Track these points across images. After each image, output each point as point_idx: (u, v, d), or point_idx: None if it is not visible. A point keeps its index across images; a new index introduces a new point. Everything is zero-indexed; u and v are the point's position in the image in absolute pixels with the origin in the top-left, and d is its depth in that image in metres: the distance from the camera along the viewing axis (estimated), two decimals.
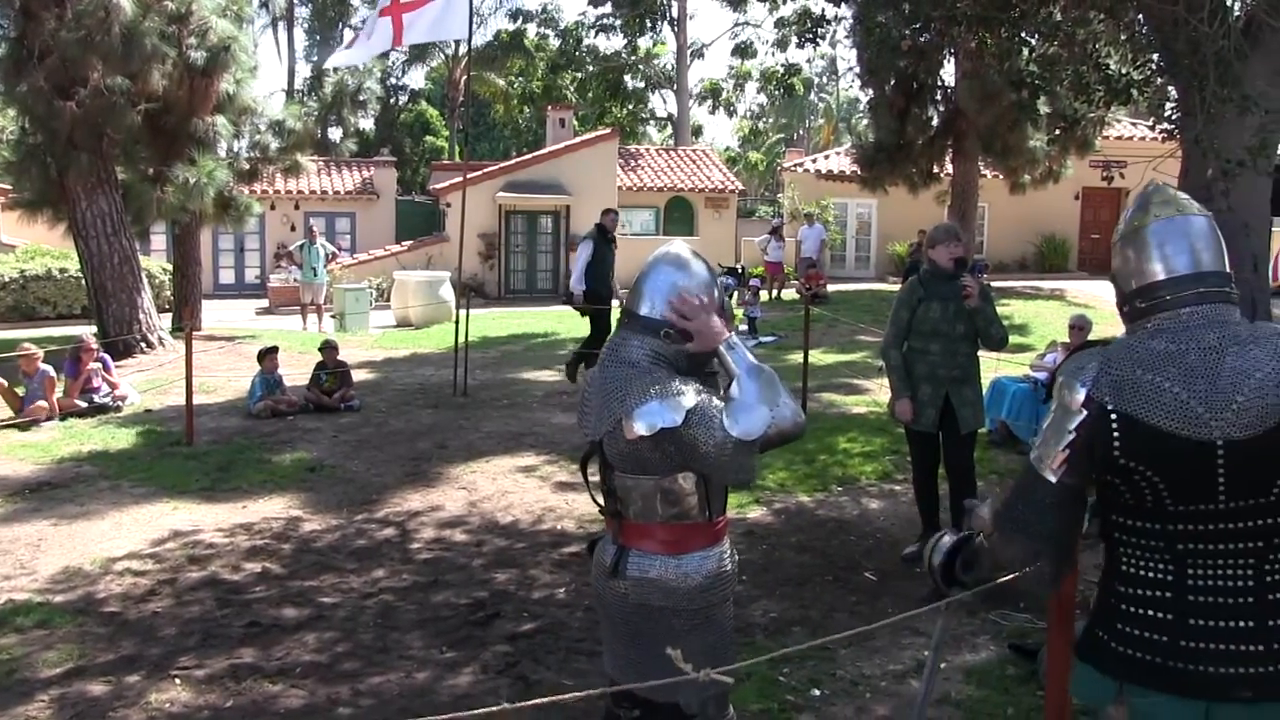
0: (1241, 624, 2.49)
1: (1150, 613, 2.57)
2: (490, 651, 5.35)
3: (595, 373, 3.13)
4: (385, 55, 45.44)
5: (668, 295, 3.03)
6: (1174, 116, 6.96)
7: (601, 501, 3.18)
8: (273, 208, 28.40)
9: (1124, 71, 7.67)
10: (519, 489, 8.42)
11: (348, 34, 48.82)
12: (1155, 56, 7.15)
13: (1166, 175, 7.35)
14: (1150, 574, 2.57)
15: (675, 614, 3.08)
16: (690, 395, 2.87)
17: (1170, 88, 7.14)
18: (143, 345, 15.43)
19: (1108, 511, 2.64)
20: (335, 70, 19.76)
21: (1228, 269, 2.58)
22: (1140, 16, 6.99)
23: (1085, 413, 2.52)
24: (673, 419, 2.84)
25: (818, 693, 4.82)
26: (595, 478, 3.23)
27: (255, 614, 5.86)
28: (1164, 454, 2.47)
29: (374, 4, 16.33)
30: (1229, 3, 6.32)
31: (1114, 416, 2.49)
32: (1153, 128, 7.47)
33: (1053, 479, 2.59)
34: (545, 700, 2.64)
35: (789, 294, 24.22)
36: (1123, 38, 7.77)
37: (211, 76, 16.29)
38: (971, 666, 5.11)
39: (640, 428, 2.86)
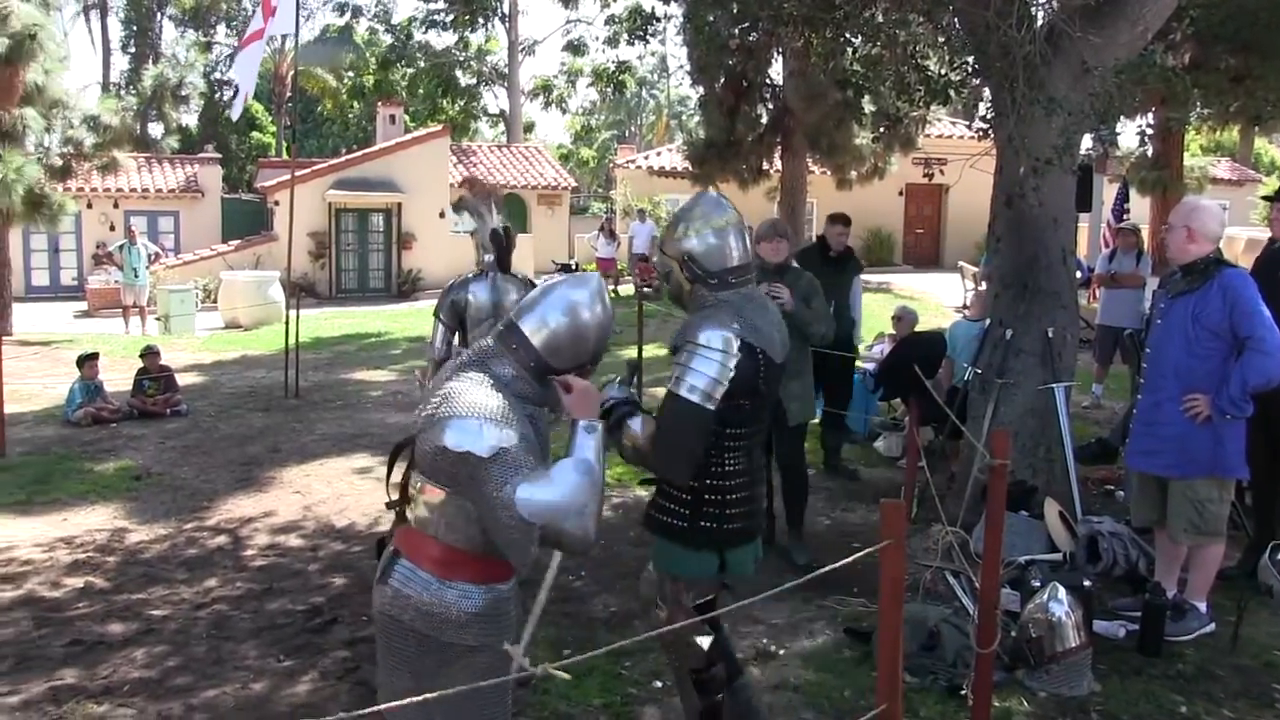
0: (759, 488, 3.75)
1: (740, 495, 3.62)
2: (329, 658, 5.25)
3: (453, 363, 2.99)
4: (208, 48, 44.06)
5: (568, 340, 2.94)
6: (988, 116, 7.25)
7: (392, 497, 3.04)
8: (89, 206, 27.17)
9: (942, 73, 7.95)
10: (354, 491, 8.27)
11: (168, 26, 47.19)
12: (970, 59, 7.42)
13: (983, 172, 7.69)
14: (738, 466, 3.60)
15: (423, 640, 2.91)
16: (513, 436, 2.74)
17: (985, 89, 7.42)
18: None
19: (725, 430, 3.50)
20: (152, 63, 19.05)
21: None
22: (956, 20, 7.26)
23: (740, 354, 3.40)
24: (481, 448, 2.70)
25: (660, 684, 4.87)
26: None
27: (77, 632, 5.60)
28: (772, 373, 3.57)
29: None
30: (1033, 11, 6.61)
31: (759, 353, 3.49)
32: (970, 127, 7.78)
33: (711, 407, 3.39)
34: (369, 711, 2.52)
35: (625, 289, 24.39)
36: (940, 40, 8.04)
37: (16, 66, 15.50)
38: (809, 652, 5.24)
39: (448, 439, 2.74)
